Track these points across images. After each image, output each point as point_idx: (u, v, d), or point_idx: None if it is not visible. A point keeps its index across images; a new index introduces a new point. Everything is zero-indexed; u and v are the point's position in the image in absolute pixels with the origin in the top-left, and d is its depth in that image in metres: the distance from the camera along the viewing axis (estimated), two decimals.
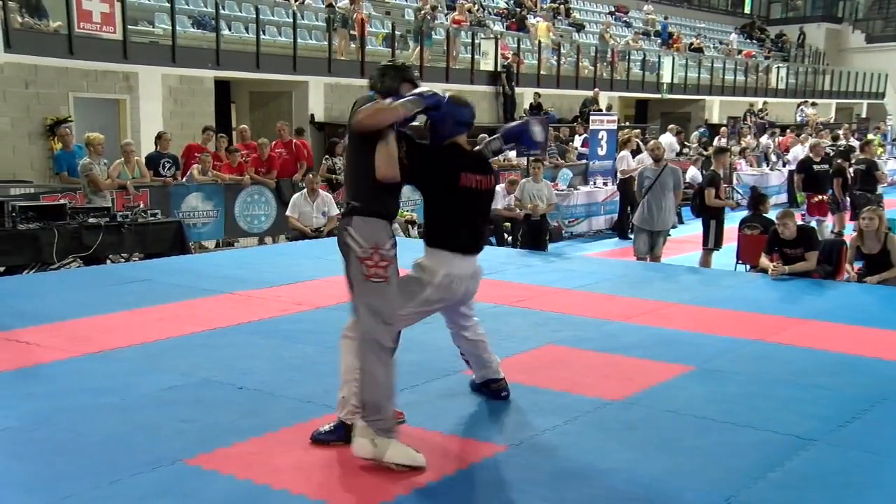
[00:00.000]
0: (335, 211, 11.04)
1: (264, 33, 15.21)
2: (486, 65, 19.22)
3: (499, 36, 19.84)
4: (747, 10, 37.92)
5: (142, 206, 9.70)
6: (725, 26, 34.73)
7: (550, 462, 3.66)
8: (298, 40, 15.47)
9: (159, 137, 11.33)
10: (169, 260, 8.64)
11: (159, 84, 13.34)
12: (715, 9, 36.24)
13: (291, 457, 3.68)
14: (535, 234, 10.77)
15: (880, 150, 21.35)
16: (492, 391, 4.38)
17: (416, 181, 3.94)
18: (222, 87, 15.16)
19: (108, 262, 8.91)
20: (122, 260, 9.10)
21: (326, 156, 12.92)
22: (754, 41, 34.25)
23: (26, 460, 3.61)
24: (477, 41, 19.17)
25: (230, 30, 15.03)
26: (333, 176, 12.36)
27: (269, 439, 3.85)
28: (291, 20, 15.67)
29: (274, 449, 3.75)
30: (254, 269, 7.82)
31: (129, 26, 12.96)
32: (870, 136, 21.16)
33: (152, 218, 9.33)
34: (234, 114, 16.62)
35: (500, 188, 12.56)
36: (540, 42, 21.18)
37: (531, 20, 22.57)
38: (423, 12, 18.17)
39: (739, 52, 30.23)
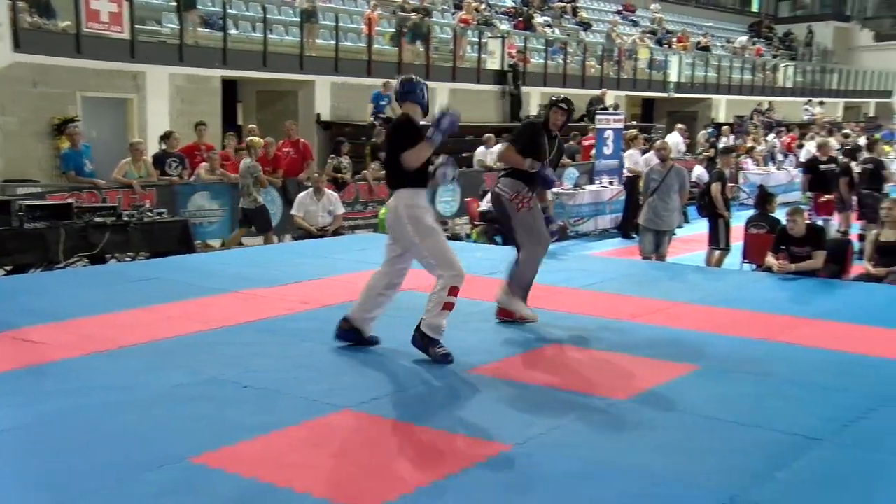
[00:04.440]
0: (341, 210, 10.99)
1: (271, 32, 15.23)
2: (493, 64, 19.20)
3: (506, 35, 19.81)
4: (755, 8, 37.74)
5: (148, 204, 9.73)
6: (734, 25, 34.59)
7: (559, 462, 3.65)
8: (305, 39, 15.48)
9: (167, 136, 11.35)
10: (176, 259, 8.66)
11: (167, 83, 13.38)
12: (723, 8, 36.08)
13: (297, 455, 3.69)
14: None
15: (888, 148, 21.24)
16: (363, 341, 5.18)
17: None
18: (229, 87, 15.18)
19: (113, 261, 8.94)
20: (128, 259, 9.12)
21: (332, 155, 12.91)
22: (762, 39, 34.13)
23: (39, 458, 3.63)
24: (483, 40, 19.15)
25: (237, 29, 15.06)
26: (339, 175, 12.36)
27: (274, 437, 3.86)
28: (299, 19, 15.68)
29: (279, 447, 3.76)
30: (260, 268, 7.83)
31: (137, 26, 13.00)
32: (877, 136, 21.06)
33: (158, 217, 9.35)
34: (241, 113, 16.65)
35: None
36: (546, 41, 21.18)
37: (538, 19, 22.55)
38: (420, 13, 18.08)
39: (746, 48, 30.06)
